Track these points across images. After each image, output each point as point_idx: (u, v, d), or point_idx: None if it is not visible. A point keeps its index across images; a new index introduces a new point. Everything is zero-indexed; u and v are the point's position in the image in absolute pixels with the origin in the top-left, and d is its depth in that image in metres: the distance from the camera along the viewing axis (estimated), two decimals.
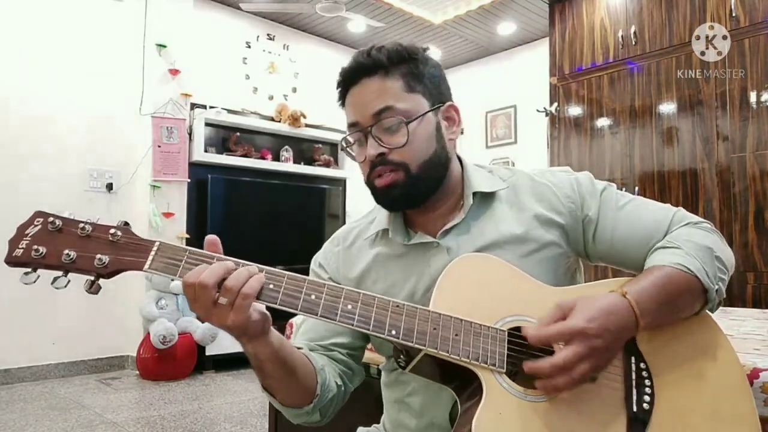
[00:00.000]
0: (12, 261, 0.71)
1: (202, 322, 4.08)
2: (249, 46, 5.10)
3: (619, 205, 0.93)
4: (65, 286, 0.72)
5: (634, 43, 3.42)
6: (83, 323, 4.08)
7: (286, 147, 5.15)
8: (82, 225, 0.73)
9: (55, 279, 0.72)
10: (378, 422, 1.04)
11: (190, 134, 4.45)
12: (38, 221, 0.74)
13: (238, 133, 4.84)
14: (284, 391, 0.85)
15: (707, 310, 0.85)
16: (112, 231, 0.74)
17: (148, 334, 3.86)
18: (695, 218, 0.92)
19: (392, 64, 0.90)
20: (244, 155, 4.82)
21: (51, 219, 0.73)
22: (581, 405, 0.74)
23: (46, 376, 3.93)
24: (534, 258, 0.89)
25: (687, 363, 0.82)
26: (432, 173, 0.91)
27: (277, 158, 5.06)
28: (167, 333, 3.79)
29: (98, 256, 0.72)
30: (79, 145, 4.11)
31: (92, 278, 0.73)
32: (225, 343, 4.20)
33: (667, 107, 3.28)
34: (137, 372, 4.06)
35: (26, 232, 0.73)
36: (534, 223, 0.91)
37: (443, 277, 0.81)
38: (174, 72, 4.34)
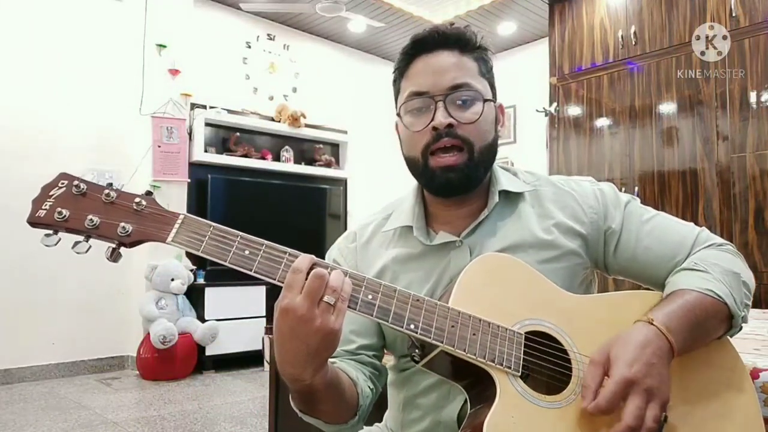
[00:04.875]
0: (34, 221, 0.70)
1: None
2: (249, 46, 5.10)
3: (644, 219, 0.92)
4: (86, 252, 0.70)
5: (634, 43, 3.42)
6: (83, 323, 4.08)
7: (287, 147, 5.15)
8: (107, 191, 0.72)
9: (76, 243, 0.70)
10: (380, 421, 1.04)
11: (190, 134, 4.46)
12: (63, 183, 0.72)
13: (238, 133, 4.84)
14: (333, 412, 0.82)
15: (728, 336, 0.85)
16: (137, 200, 0.72)
17: (148, 334, 3.86)
18: (719, 240, 0.91)
19: (470, 45, 0.90)
20: (244, 155, 4.82)
21: (76, 182, 0.71)
22: (594, 414, 0.73)
23: (46, 376, 3.93)
24: (553, 265, 0.88)
25: (700, 381, 0.81)
26: (487, 161, 0.90)
27: (277, 158, 5.07)
28: (167, 333, 3.79)
29: (122, 224, 0.70)
30: (79, 145, 4.11)
31: (114, 246, 0.71)
32: (225, 344, 4.21)
33: (667, 107, 3.28)
34: (137, 372, 4.06)
35: (50, 194, 0.71)
36: (556, 230, 0.90)
37: (464, 275, 0.79)
38: (174, 72, 4.34)
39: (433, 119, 0.86)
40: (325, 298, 0.67)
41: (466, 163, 0.87)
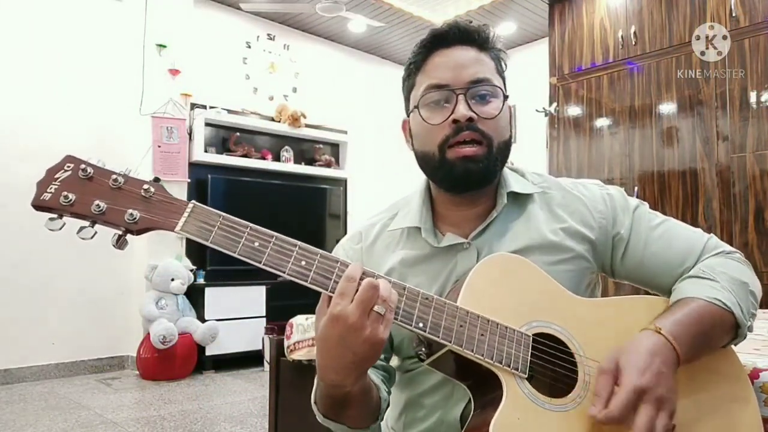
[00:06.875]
0: (39, 204, 0.68)
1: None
2: (249, 46, 5.10)
3: (652, 225, 0.91)
4: (91, 237, 0.69)
5: (634, 43, 3.42)
6: (83, 323, 4.08)
7: (287, 147, 5.15)
8: (114, 176, 0.70)
9: (81, 228, 0.69)
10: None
11: (190, 134, 4.46)
12: (69, 166, 0.70)
13: (238, 133, 4.85)
14: (359, 417, 0.82)
15: (733, 344, 0.85)
16: (145, 186, 0.70)
17: (148, 334, 3.86)
18: (728, 247, 0.91)
19: (489, 44, 0.90)
20: (244, 155, 4.82)
21: (83, 166, 0.69)
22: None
23: (46, 376, 3.93)
24: (560, 268, 0.87)
25: (704, 390, 0.81)
26: (503, 157, 0.89)
27: (277, 158, 5.07)
28: (167, 333, 3.79)
29: (129, 210, 0.68)
30: (80, 145, 4.10)
31: (120, 233, 0.70)
32: (225, 344, 4.21)
33: (667, 107, 3.28)
34: (137, 372, 4.06)
35: (56, 176, 0.69)
36: (564, 233, 0.89)
37: (473, 275, 0.79)
38: (174, 72, 4.34)
39: (453, 112, 0.85)
40: (376, 308, 0.67)
41: (486, 155, 0.85)
